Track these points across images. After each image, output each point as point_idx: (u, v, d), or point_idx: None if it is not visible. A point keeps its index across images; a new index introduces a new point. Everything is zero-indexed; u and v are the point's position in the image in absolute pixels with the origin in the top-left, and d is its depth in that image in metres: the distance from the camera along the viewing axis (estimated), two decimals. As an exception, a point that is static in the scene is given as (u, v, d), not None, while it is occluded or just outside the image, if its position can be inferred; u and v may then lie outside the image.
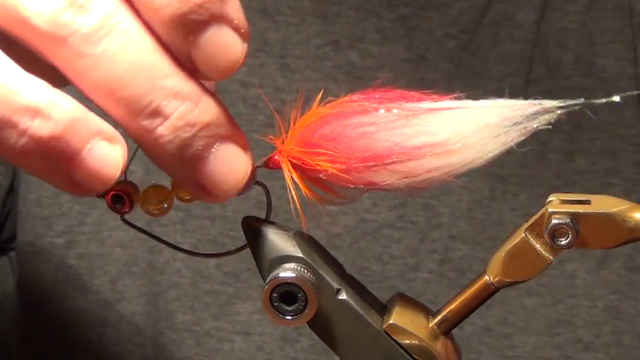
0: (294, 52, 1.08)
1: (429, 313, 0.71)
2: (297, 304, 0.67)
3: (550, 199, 0.69)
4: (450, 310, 0.70)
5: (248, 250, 0.70)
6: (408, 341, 0.69)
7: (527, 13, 1.09)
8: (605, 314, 1.08)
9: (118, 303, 1.08)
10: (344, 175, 0.66)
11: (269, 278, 0.67)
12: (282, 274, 0.67)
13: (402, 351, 0.69)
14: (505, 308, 1.08)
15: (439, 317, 0.70)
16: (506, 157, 1.05)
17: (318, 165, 0.67)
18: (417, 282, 1.08)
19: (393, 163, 0.66)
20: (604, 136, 1.08)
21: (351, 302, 0.69)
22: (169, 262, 1.07)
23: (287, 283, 0.67)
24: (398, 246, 1.08)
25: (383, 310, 0.71)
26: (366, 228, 1.08)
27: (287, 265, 0.68)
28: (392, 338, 0.69)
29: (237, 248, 0.72)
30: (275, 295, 0.67)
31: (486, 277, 0.69)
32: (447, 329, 0.70)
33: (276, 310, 0.67)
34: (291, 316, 0.67)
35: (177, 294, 1.07)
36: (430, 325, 0.70)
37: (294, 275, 0.67)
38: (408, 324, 0.70)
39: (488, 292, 0.69)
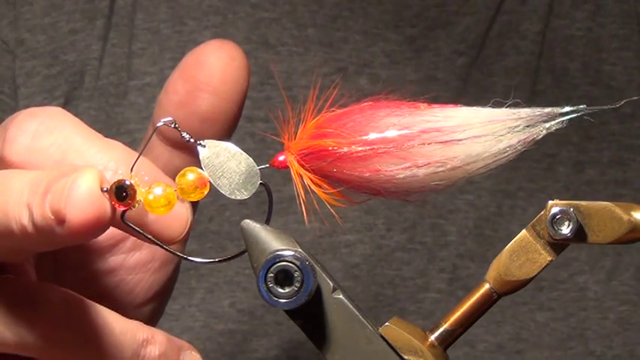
0: (301, 82, 1.06)
1: (427, 330, 0.68)
2: (292, 287, 0.64)
3: (550, 203, 0.67)
4: (450, 323, 0.67)
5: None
6: (405, 347, 0.65)
7: (532, 22, 1.08)
8: (616, 326, 1.06)
9: None
10: (349, 157, 0.65)
11: (267, 257, 0.64)
12: (281, 252, 0.64)
13: (398, 357, 0.65)
14: (517, 324, 1.06)
15: (438, 330, 0.67)
16: (514, 172, 1.06)
17: (325, 145, 0.65)
18: (427, 302, 1.06)
19: (400, 147, 0.65)
20: (613, 146, 1.07)
21: (347, 301, 0.66)
22: None
23: (285, 261, 0.64)
24: (408, 268, 1.06)
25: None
26: (381, 254, 1.07)
27: (285, 248, 0.65)
28: (387, 342, 0.66)
29: (236, 254, 0.69)
30: (271, 275, 0.64)
31: (487, 284, 0.66)
32: (446, 343, 0.67)
33: (270, 292, 0.64)
34: (285, 299, 0.64)
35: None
36: (429, 339, 0.67)
37: (292, 253, 0.64)
38: (405, 328, 0.66)
39: (489, 300, 0.66)
